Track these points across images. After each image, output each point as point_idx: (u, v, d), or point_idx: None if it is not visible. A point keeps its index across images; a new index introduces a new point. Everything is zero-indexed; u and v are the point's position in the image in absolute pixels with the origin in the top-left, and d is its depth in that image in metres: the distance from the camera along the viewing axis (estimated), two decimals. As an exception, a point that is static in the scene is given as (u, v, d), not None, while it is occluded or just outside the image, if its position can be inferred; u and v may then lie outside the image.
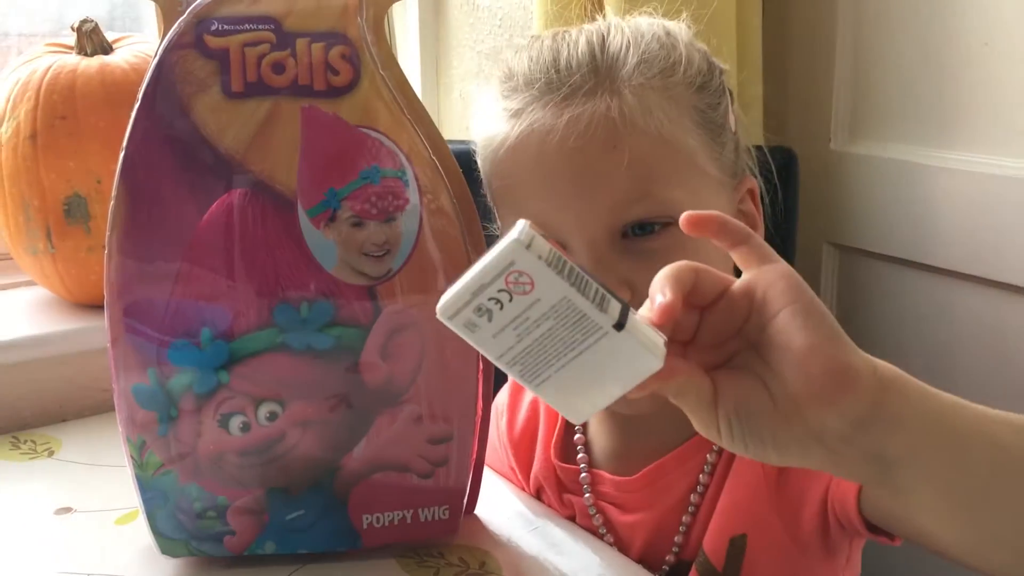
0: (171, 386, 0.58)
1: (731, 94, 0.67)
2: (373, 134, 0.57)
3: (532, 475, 0.74)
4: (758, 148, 0.70)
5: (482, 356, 0.60)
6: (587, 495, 0.70)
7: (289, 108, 0.56)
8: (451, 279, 0.59)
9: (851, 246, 1.10)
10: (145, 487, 0.60)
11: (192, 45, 0.56)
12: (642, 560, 0.68)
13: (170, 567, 0.63)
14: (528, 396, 0.76)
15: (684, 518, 0.67)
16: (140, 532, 0.63)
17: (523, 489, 0.76)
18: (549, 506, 0.73)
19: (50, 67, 0.88)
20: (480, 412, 0.63)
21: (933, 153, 1.00)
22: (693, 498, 0.66)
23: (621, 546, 0.69)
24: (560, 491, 0.72)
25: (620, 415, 0.69)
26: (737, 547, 0.64)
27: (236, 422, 0.59)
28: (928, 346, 1.04)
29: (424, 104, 0.61)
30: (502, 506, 0.71)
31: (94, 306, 0.92)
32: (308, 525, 0.62)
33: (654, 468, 0.67)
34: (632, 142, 0.58)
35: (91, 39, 0.91)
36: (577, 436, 0.72)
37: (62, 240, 0.88)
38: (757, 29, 1.06)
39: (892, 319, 1.08)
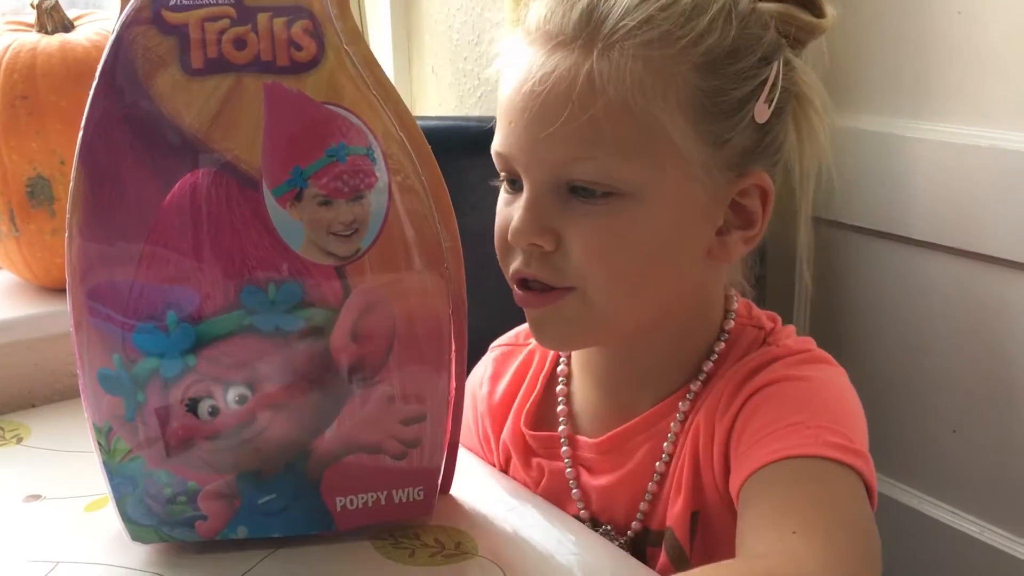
0: (137, 371, 0.57)
1: (797, 90, 0.65)
2: (339, 111, 0.56)
3: (501, 440, 0.75)
4: None
5: (454, 336, 0.60)
6: (568, 464, 0.70)
7: (252, 85, 0.55)
8: (421, 258, 0.59)
9: (826, 219, 1.10)
10: (113, 473, 0.59)
11: (150, 21, 0.54)
12: (611, 523, 0.68)
13: (141, 553, 0.62)
14: (513, 366, 0.76)
15: (650, 486, 0.67)
16: (110, 519, 0.62)
17: (492, 457, 0.76)
18: (516, 472, 0.74)
19: (9, 45, 0.86)
20: (453, 391, 0.62)
21: (909, 124, 1.00)
22: (658, 466, 0.67)
23: (591, 509, 0.70)
24: (528, 455, 0.73)
25: (601, 374, 0.70)
26: (694, 522, 0.65)
27: (205, 406, 0.58)
28: (904, 318, 1.04)
29: (396, 80, 0.60)
30: (478, 486, 0.71)
31: (61, 290, 0.89)
32: (281, 508, 0.61)
33: (620, 431, 0.68)
34: (592, 104, 0.58)
35: (51, 16, 0.89)
36: (561, 408, 0.72)
37: (26, 223, 0.86)
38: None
39: (868, 291, 1.08)
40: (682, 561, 0.65)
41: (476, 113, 1.27)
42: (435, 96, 1.34)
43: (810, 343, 0.68)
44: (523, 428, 0.73)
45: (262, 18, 0.55)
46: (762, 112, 0.61)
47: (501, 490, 0.71)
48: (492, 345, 0.80)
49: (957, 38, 0.94)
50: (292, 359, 0.58)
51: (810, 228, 0.72)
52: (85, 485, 0.70)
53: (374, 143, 0.57)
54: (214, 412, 0.58)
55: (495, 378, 0.77)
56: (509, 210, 0.63)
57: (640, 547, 0.68)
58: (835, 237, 1.10)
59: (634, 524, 0.68)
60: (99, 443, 0.59)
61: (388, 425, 0.60)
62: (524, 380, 0.75)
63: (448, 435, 0.63)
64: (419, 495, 0.63)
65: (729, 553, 0.56)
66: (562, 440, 0.71)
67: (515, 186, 0.64)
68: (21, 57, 0.85)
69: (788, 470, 0.56)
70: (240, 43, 0.55)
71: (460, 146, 1.04)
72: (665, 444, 0.66)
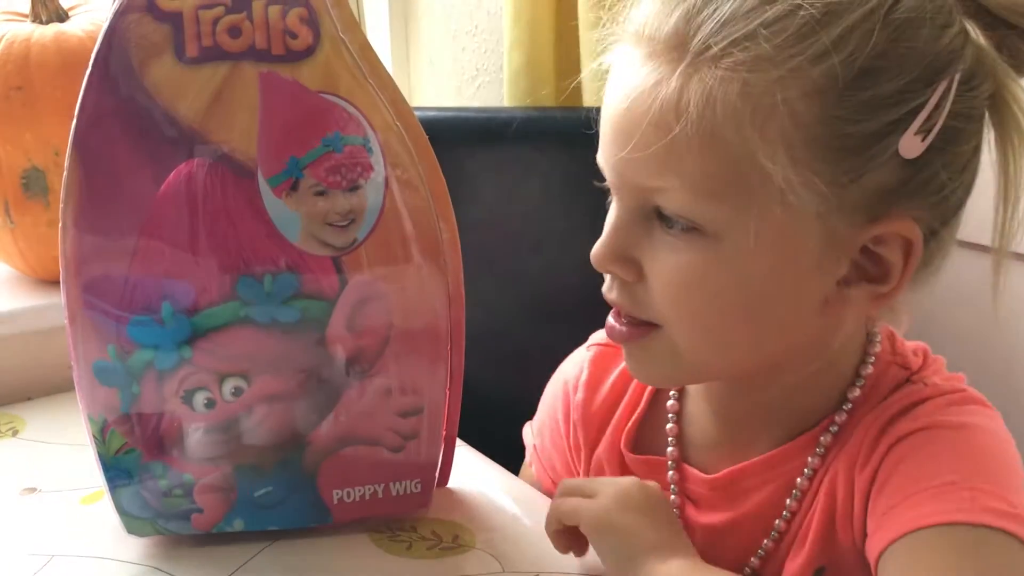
0: (132, 363, 0.57)
1: (999, 102, 0.52)
2: (335, 100, 0.55)
3: (595, 456, 0.68)
4: None
5: (452, 328, 0.59)
6: (673, 492, 0.64)
7: (247, 73, 0.54)
8: (419, 249, 0.58)
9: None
10: (108, 466, 0.59)
11: (144, 9, 0.54)
12: (715, 564, 0.61)
13: (137, 546, 0.62)
14: (613, 375, 0.68)
15: (765, 543, 0.61)
16: (106, 511, 0.61)
17: (576, 466, 0.70)
18: None
19: (3, 36, 0.85)
20: (450, 384, 0.62)
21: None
22: (778, 524, 0.60)
23: (697, 548, 0.61)
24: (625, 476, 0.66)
25: (715, 402, 0.63)
26: None
27: (200, 398, 0.58)
28: (914, 308, 1.04)
29: (394, 72, 0.59)
30: (476, 479, 0.70)
31: (56, 282, 0.89)
32: (277, 501, 0.61)
33: (735, 471, 0.61)
34: (671, 130, 0.50)
35: (46, 6, 0.88)
36: (670, 427, 0.65)
37: (21, 215, 0.86)
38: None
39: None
40: None
41: (474, 104, 1.26)
42: (433, 87, 1.33)
43: (961, 380, 0.59)
44: (623, 450, 0.66)
45: (257, 6, 0.54)
46: (912, 147, 0.49)
47: (499, 483, 0.71)
48: (589, 342, 0.71)
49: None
50: (288, 351, 0.57)
51: (1006, 269, 0.58)
52: (81, 478, 0.69)
53: (371, 133, 0.56)
54: (210, 404, 0.58)
55: (592, 385, 0.69)
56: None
57: None
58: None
59: None
60: (94, 436, 0.58)
61: (385, 417, 0.60)
62: (626, 392, 0.67)
63: (445, 428, 0.63)
64: (416, 488, 0.62)
65: None
66: (670, 464, 0.64)
67: None
68: (15, 48, 0.85)
69: (942, 539, 0.50)
70: (235, 31, 0.54)
71: (458, 137, 1.04)
72: (788, 501, 0.59)
